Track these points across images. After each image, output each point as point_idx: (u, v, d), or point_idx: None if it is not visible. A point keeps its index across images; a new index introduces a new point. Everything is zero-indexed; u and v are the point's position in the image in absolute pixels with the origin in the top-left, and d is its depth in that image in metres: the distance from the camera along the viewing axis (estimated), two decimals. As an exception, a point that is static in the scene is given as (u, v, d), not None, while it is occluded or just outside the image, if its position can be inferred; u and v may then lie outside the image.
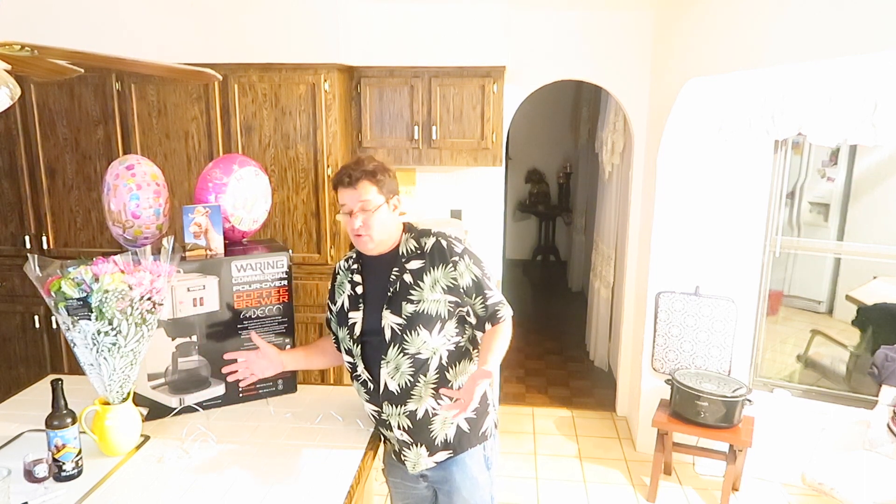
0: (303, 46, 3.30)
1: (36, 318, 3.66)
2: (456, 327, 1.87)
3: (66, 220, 3.59)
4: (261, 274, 2.17)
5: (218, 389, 2.16)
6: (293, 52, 3.31)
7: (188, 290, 2.06)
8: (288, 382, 2.27)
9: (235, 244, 2.30)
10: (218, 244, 2.14)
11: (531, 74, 3.84)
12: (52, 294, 1.72)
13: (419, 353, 1.83)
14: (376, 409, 1.91)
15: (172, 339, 2.06)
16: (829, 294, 4.11)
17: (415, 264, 1.85)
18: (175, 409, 2.08)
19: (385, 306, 1.84)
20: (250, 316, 2.17)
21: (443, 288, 1.82)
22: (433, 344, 1.83)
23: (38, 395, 2.19)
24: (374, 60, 3.56)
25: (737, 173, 3.32)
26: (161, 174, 2.26)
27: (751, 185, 3.32)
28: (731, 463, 3.13)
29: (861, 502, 2.54)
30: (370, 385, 1.90)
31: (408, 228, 1.93)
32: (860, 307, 3.77)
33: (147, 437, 1.94)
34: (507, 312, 1.87)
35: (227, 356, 2.04)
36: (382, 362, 1.85)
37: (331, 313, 2.03)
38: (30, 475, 1.68)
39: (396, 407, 1.87)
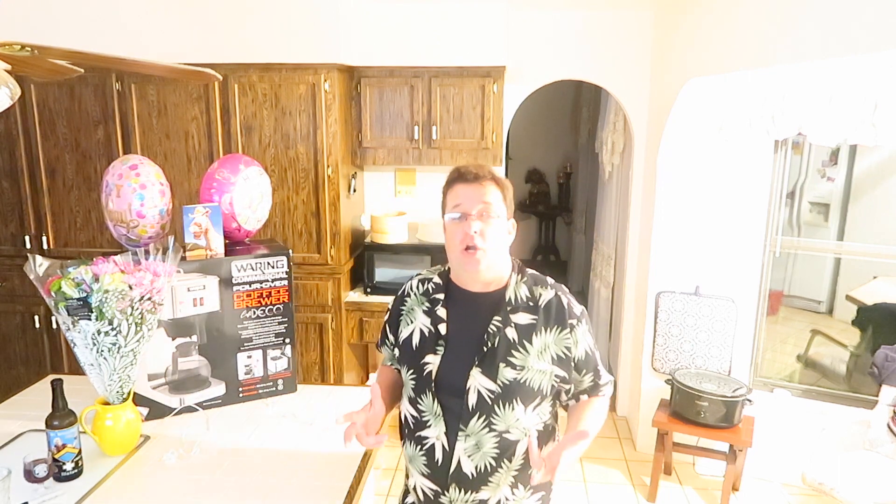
0: (303, 46, 3.30)
1: (36, 318, 3.66)
2: (550, 404, 1.53)
3: (66, 220, 3.58)
4: (261, 274, 2.17)
5: (218, 389, 2.16)
6: (293, 52, 3.30)
7: (188, 290, 2.06)
8: (288, 382, 2.27)
9: (237, 244, 2.31)
10: (218, 244, 2.14)
11: (531, 74, 3.83)
12: (52, 294, 1.72)
13: (508, 433, 1.45)
14: (435, 488, 1.52)
15: (172, 339, 2.06)
16: (829, 294, 4.11)
17: (523, 318, 1.47)
18: (175, 409, 2.08)
19: (476, 363, 1.45)
20: (250, 316, 2.17)
21: (552, 357, 1.47)
22: (526, 423, 1.47)
23: (38, 395, 2.19)
24: (374, 60, 3.56)
25: (737, 173, 3.32)
26: (163, 174, 2.26)
27: (751, 185, 3.32)
28: (732, 463, 3.13)
29: (861, 502, 2.54)
30: (438, 458, 1.48)
31: (518, 268, 1.57)
32: (860, 307, 3.78)
33: (147, 437, 1.94)
34: (610, 391, 1.58)
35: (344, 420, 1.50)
36: (460, 435, 1.45)
37: (388, 341, 1.66)
38: (30, 475, 1.68)
39: (466, 493, 1.48)
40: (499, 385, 1.43)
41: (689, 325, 3.43)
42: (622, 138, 4.31)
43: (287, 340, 2.25)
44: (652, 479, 3.28)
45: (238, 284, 2.14)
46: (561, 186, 7.70)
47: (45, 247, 3.60)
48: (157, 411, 2.06)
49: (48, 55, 1.57)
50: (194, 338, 2.10)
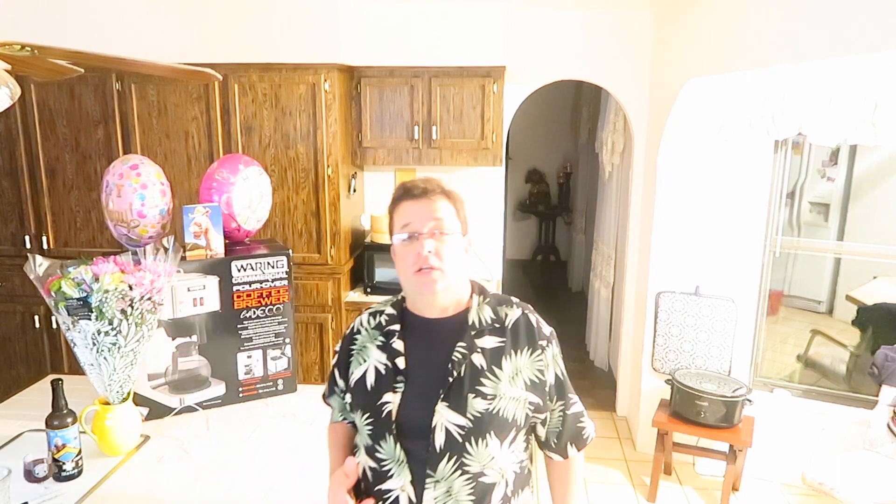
0: (303, 46, 3.30)
1: (36, 318, 3.66)
2: (524, 440, 1.37)
3: (66, 220, 3.58)
4: (261, 274, 2.17)
5: (218, 389, 2.16)
6: (293, 52, 3.31)
7: (188, 290, 2.06)
8: (288, 382, 2.27)
9: (238, 244, 2.31)
10: (218, 244, 2.14)
11: (531, 74, 3.83)
12: (52, 294, 1.72)
13: (483, 475, 1.26)
14: None
15: (172, 339, 2.07)
16: (829, 294, 4.11)
17: (490, 341, 1.31)
18: (175, 409, 2.08)
19: (441, 397, 1.26)
20: (250, 316, 2.17)
21: (525, 382, 1.31)
22: (502, 462, 1.29)
23: (38, 395, 2.19)
24: (374, 60, 3.57)
25: (737, 173, 3.32)
26: (163, 174, 2.26)
27: (751, 185, 3.32)
28: (731, 463, 3.13)
29: (861, 502, 2.54)
30: None
31: (479, 290, 1.40)
32: (860, 307, 3.78)
33: (147, 437, 1.94)
34: (591, 431, 1.43)
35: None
36: (428, 481, 1.25)
37: (337, 389, 1.44)
38: (30, 475, 1.68)
39: None
40: (469, 418, 1.24)
41: (689, 325, 3.43)
42: (622, 138, 4.31)
43: (287, 340, 2.25)
44: (652, 479, 3.29)
45: (238, 284, 2.14)
46: (561, 186, 7.70)
47: (45, 247, 3.60)
48: (157, 411, 2.06)
49: (48, 55, 1.57)
50: (194, 338, 2.10)
